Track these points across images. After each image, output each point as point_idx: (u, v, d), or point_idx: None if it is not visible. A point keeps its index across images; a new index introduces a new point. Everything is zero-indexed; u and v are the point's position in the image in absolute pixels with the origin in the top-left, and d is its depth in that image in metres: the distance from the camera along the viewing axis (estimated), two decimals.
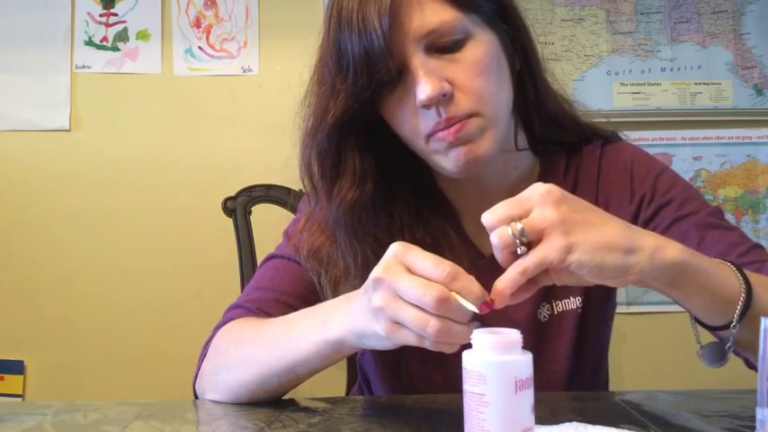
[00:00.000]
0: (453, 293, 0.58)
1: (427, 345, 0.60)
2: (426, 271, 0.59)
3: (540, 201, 0.60)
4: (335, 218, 0.83)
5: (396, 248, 0.62)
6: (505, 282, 0.60)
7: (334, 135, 0.80)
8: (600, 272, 0.59)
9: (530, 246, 0.60)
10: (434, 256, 0.60)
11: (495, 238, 0.60)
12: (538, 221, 0.59)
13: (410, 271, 0.60)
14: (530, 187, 0.62)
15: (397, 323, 0.61)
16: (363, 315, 0.64)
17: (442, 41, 0.77)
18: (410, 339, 0.61)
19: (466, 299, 0.58)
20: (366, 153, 0.83)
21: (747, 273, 0.69)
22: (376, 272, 0.62)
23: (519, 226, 0.59)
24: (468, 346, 0.56)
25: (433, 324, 0.58)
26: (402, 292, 0.59)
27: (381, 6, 0.74)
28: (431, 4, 0.76)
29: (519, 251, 0.59)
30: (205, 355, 0.85)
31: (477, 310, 0.58)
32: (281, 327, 0.76)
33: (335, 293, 0.81)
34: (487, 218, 0.61)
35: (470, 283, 0.59)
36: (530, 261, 0.59)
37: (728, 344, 0.69)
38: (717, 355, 0.71)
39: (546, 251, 0.59)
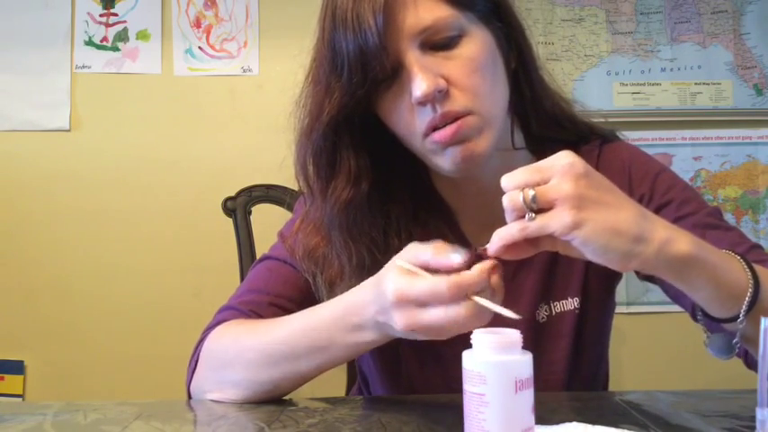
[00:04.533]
0: (474, 298, 0.61)
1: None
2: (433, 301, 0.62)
3: (560, 172, 0.60)
4: (330, 218, 0.83)
5: (392, 289, 0.63)
6: (503, 233, 0.61)
7: (329, 134, 0.80)
8: (603, 254, 0.59)
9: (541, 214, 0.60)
10: (428, 281, 0.62)
11: (506, 201, 0.61)
12: (551, 191, 0.59)
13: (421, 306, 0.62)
14: (555, 155, 0.62)
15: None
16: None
17: (437, 38, 0.76)
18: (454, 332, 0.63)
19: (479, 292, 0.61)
20: (361, 153, 0.82)
21: (756, 266, 0.68)
22: (399, 325, 0.64)
23: (531, 193, 0.59)
24: (469, 345, 0.56)
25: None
26: (428, 324, 0.62)
27: (376, 4, 0.74)
28: (425, 1, 0.76)
29: (527, 217, 0.60)
30: (198, 357, 0.84)
31: (511, 315, 0.59)
32: (291, 331, 0.76)
33: (331, 294, 0.81)
34: (505, 182, 0.62)
35: (472, 278, 0.61)
36: (532, 223, 0.60)
37: (735, 339, 0.69)
38: (724, 346, 0.71)
39: (550, 220, 0.59)
